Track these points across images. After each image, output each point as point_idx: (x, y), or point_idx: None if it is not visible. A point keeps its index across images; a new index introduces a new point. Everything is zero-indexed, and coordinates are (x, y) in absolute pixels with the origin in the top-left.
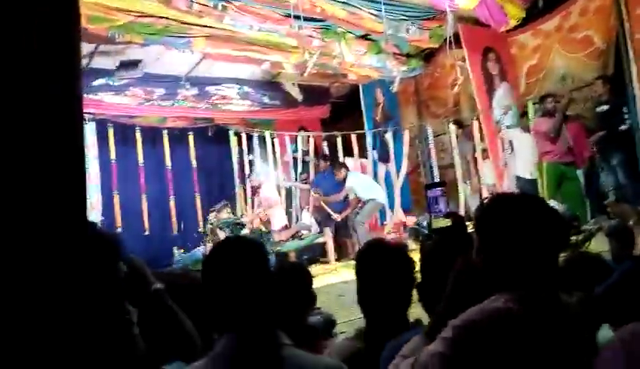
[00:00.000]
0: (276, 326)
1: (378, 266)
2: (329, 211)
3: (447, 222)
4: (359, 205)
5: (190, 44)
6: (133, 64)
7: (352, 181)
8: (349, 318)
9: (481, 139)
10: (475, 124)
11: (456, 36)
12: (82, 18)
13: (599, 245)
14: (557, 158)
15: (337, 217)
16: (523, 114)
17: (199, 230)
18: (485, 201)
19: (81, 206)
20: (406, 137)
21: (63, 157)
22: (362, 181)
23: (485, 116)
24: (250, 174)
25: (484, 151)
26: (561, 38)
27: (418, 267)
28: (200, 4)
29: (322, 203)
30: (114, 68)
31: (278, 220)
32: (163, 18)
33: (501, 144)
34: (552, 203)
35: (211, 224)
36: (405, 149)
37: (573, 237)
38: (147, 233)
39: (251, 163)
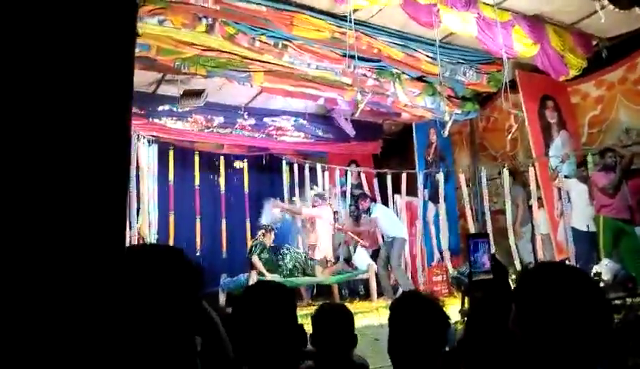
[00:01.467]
0: (318, 365)
1: (412, 318)
2: (358, 239)
3: (488, 276)
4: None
5: (250, 78)
6: (197, 93)
7: (378, 213)
8: (383, 364)
9: (537, 187)
10: (531, 171)
11: (514, 82)
12: (153, 49)
13: None
14: (614, 213)
15: (365, 244)
16: (581, 163)
17: (247, 255)
18: (528, 269)
19: (121, 222)
20: (461, 179)
21: (107, 171)
22: (387, 215)
23: (541, 163)
24: (313, 195)
25: (539, 199)
26: (626, 90)
27: (453, 319)
28: (262, 42)
29: (350, 233)
30: (178, 95)
31: (323, 250)
32: (226, 52)
33: (558, 194)
34: (606, 261)
35: (255, 246)
36: (461, 192)
37: (628, 299)
38: (198, 253)
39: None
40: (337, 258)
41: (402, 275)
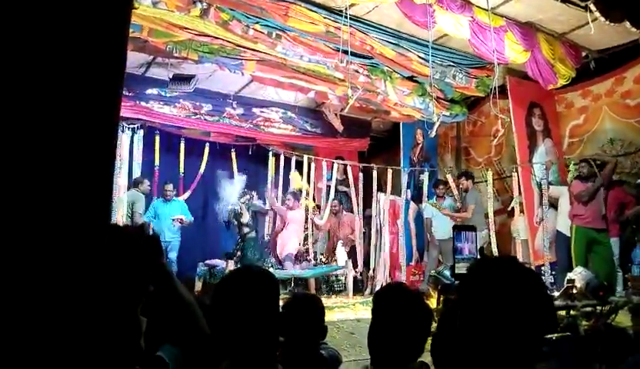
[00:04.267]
0: (285, 355)
1: (396, 309)
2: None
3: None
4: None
5: (242, 66)
6: (186, 79)
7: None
8: (356, 357)
9: (519, 192)
10: (514, 176)
11: (503, 87)
12: (145, 30)
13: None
14: (586, 223)
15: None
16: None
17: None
18: (472, 265)
19: (106, 203)
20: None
21: (93, 155)
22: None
23: (524, 170)
24: (287, 192)
25: (520, 204)
26: (612, 102)
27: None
28: (256, 30)
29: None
30: (168, 79)
31: (293, 245)
32: (219, 38)
33: (538, 200)
34: (580, 269)
35: (244, 203)
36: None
37: (598, 308)
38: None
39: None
40: (314, 254)
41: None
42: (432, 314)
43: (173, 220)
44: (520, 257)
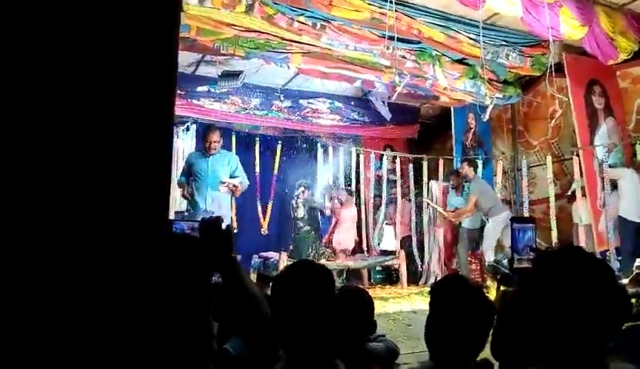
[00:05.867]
0: (335, 350)
1: (455, 304)
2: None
3: (530, 264)
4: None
5: (287, 59)
6: (234, 75)
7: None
8: (414, 350)
9: (580, 176)
10: (575, 159)
11: (559, 65)
12: (193, 30)
13: None
14: None
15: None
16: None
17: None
18: (543, 253)
19: (163, 206)
20: (498, 166)
21: (151, 156)
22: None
23: (585, 152)
24: (338, 188)
25: (582, 188)
26: None
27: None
28: (300, 22)
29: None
30: (217, 76)
31: (348, 243)
32: (265, 33)
33: (601, 183)
34: None
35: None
36: (497, 179)
37: None
38: (235, 231)
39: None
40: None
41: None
42: (494, 308)
43: (222, 183)
44: (583, 243)
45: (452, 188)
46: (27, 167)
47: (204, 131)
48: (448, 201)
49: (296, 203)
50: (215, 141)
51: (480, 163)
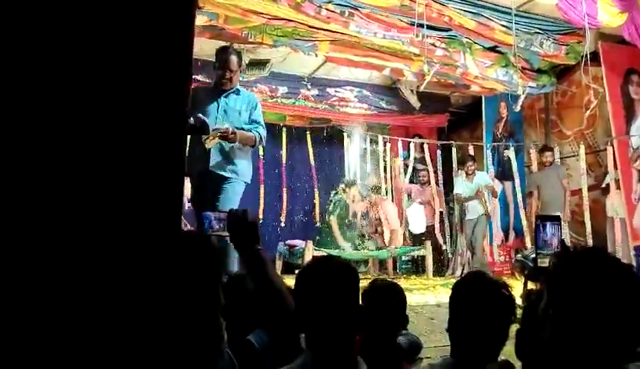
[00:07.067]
0: (363, 344)
1: (475, 300)
2: None
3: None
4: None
5: (315, 47)
6: (262, 63)
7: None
8: (437, 344)
9: (615, 167)
10: (609, 150)
11: (595, 54)
12: (221, 18)
13: None
14: None
15: None
16: None
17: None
18: (568, 252)
19: (176, 206)
20: (532, 156)
21: (164, 155)
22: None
23: (620, 143)
24: (367, 188)
25: (616, 181)
26: None
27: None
28: (328, 10)
29: None
30: (244, 64)
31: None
32: (292, 21)
33: (637, 176)
34: None
35: (334, 203)
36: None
37: None
38: (261, 221)
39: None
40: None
41: (480, 255)
42: (514, 304)
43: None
44: (617, 237)
45: (466, 174)
46: (32, 163)
47: (216, 54)
48: (455, 186)
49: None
50: (232, 71)
51: (512, 153)
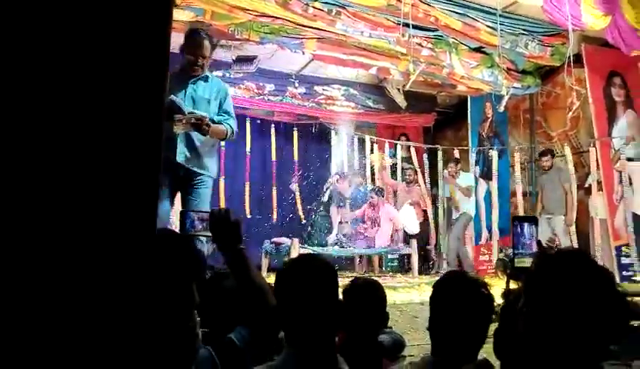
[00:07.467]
0: (344, 343)
1: (454, 299)
2: None
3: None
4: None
5: (302, 45)
6: (249, 59)
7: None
8: (420, 342)
9: (597, 168)
10: (592, 151)
11: (579, 56)
12: (207, 14)
13: None
14: None
15: None
16: None
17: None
18: (544, 254)
19: (151, 205)
20: (516, 157)
21: (139, 152)
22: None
23: (602, 144)
24: (372, 190)
25: (598, 182)
26: None
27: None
28: (315, 8)
29: None
30: (231, 61)
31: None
32: (279, 18)
33: (618, 177)
34: None
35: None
36: (517, 170)
37: None
38: (249, 217)
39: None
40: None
41: (460, 248)
42: (492, 303)
43: (190, 113)
44: (598, 237)
45: (450, 176)
46: (13, 163)
47: (186, 37)
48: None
49: (326, 189)
50: (204, 57)
51: (495, 154)
